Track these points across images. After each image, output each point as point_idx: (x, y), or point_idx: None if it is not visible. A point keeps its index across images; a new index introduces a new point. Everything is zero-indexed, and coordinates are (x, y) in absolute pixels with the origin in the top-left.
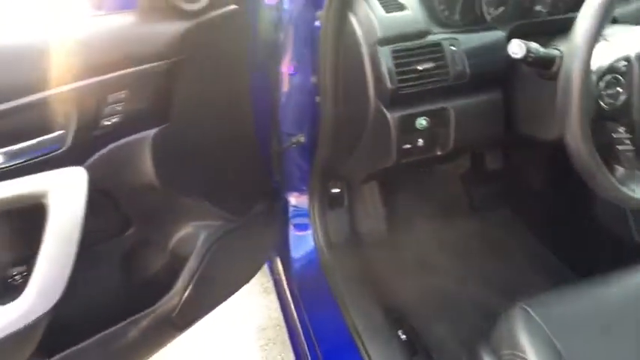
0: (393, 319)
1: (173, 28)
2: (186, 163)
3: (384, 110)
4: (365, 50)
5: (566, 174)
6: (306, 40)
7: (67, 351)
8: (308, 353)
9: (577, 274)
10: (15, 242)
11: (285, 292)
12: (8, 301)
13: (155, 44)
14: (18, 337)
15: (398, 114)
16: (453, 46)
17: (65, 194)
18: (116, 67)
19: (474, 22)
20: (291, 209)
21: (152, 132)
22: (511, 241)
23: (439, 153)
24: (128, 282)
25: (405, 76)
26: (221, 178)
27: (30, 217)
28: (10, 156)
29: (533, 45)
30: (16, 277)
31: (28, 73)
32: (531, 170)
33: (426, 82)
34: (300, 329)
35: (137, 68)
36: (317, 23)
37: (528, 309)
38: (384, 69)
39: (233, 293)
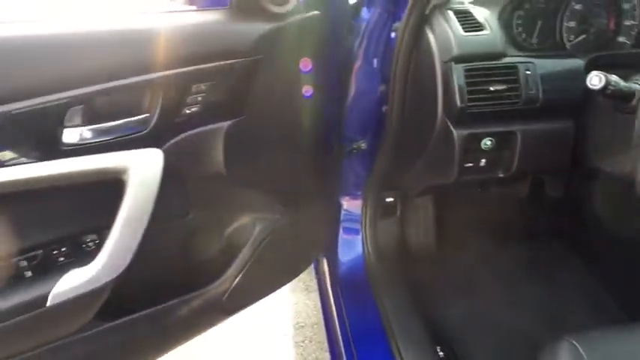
0: (433, 333)
1: (258, 28)
2: (254, 157)
3: (451, 127)
4: (438, 66)
5: (630, 211)
6: (378, 50)
7: (122, 319)
8: (344, 354)
9: (628, 315)
10: (91, 212)
11: (327, 293)
12: (80, 265)
13: (240, 42)
14: (84, 298)
15: (464, 132)
16: (529, 70)
17: (143, 173)
18: (202, 60)
19: (552, 47)
20: (342, 212)
21: (226, 124)
22: (564, 272)
23: (500, 175)
24: (184, 263)
25: (475, 96)
26: (283, 174)
27: (106, 191)
28: (98, 133)
29: (614, 78)
30: (89, 244)
31: (124, 57)
32: (593, 202)
33: (497, 103)
34: (338, 330)
35: (221, 63)
36: (392, 35)
37: (576, 345)
38: (456, 86)
39: (280, 286)
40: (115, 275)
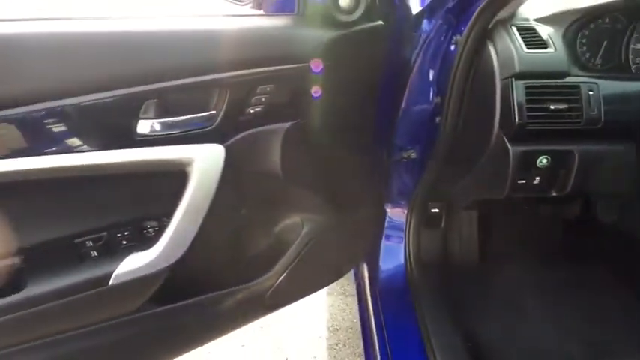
0: (470, 348)
1: (324, 34)
2: (308, 159)
3: (507, 143)
4: (498, 81)
5: None
6: (435, 62)
7: (173, 305)
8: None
9: None
10: (153, 200)
11: (366, 298)
12: (141, 249)
13: (305, 47)
14: (142, 281)
15: (520, 149)
16: (591, 90)
17: (205, 167)
18: (268, 62)
19: (617, 69)
20: (386, 220)
21: (285, 125)
22: (611, 300)
23: (553, 194)
24: (233, 256)
25: (534, 113)
26: (335, 177)
27: (169, 181)
28: (169, 126)
29: None
30: (149, 230)
31: (197, 57)
32: None
33: (556, 122)
34: (375, 336)
35: (286, 66)
36: (452, 48)
37: None
38: (515, 103)
39: (321, 287)
40: (171, 262)
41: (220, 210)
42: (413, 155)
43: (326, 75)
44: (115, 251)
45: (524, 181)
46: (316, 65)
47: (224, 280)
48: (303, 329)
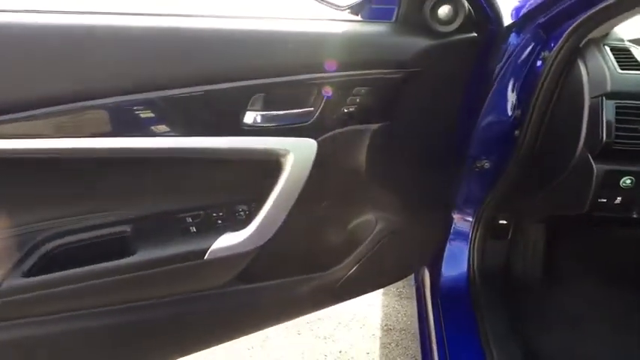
0: None
1: (420, 43)
2: (391, 160)
3: (591, 161)
4: (587, 99)
5: None
6: (520, 75)
7: (253, 285)
8: None
9: None
10: (246, 185)
11: (425, 302)
12: (232, 230)
13: (401, 54)
14: (232, 259)
15: (604, 167)
16: None
17: (299, 159)
18: (365, 66)
19: None
20: (452, 227)
21: (374, 126)
22: None
23: (634, 216)
24: (310, 245)
25: (623, 133)
26: (412, 180)
27: (263, 169)
28: (271, 118)
29: None
30: (240, 213)
31: (301, 57)
32: None
33: None
34: (434, 341)
35: (381, 70)
36: (539, 63)
37: None
38: (604, 122)
39: (386, 285)
40: (259, 244)
41: (306, 200)
42: (486, 165)
43: (418, 82)
44: (210, 229)
45: (605, 200)
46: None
47: (300, 266)
48: (357, 326)
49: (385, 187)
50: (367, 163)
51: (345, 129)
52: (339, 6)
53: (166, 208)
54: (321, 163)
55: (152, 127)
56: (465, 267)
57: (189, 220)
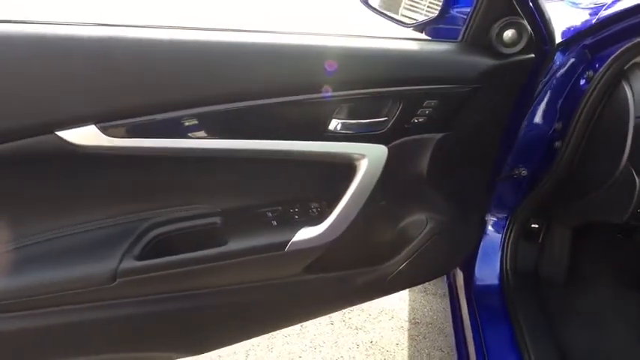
0: None
1: (486, 62)
2: (449, 165)
3: (634, 175)
4: (632, 119)
5: None
6: (562, 91)
7: (318, 275)
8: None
9: None
10: (320, 185)
11: (459, 300)
12: (308, 225)
13: (469, 71)
14: (308, 251)
15: None
16: None
17: (372, 163)
18: (437, 81)
19: None
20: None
21: (438, 135)
22: None
23: None
24: (367, 240)
25: None
26: (463, 184)
27: (338, 171)
28: (348, 126)
29: None
30: (313, 210)
31: (379, 71)
32: None
33: None
34: (471, 337)
35: (450, 86)
36: (582, 82)
37: None
38: None
39: (426, 281)
40: (332, 238)
41: (373, 200)
42: (524, 173)
43: (479, 96)
44: (289, 223)
45: None
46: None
47: (358, 260)
48: (386, 319)
49: (440, 190)
50: (428, 168)
51: (413, 137)
52: (405, 24)
53: (249, 203)
54: (389, 167)
55: (248, 131)
56: (497, 267)
57: (270, 214)
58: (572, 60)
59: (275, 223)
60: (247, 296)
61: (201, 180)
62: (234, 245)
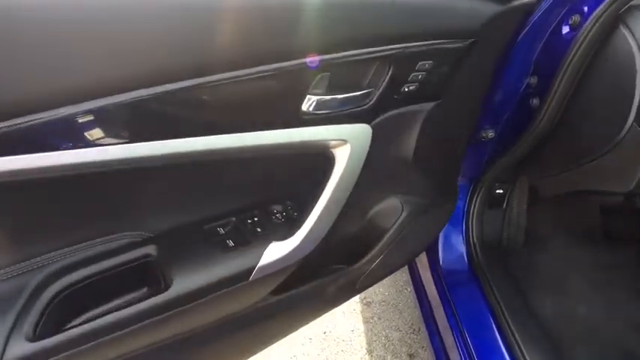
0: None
1: (486, 9)
2: (438, 139)
3: None
4: (638, 68)
5: None
6: (537, 39)
7: (287, 294)
8: (456, 344)
9: None
10: (283, 182)
11: (420, 275)
12: (275, 237)
13: (467, 21)
14: (277, 274)
15: None
16: None
17: (356, 149)
18: (432, 35)
19: None
20: None
21: (428, 106)
22: None
23: None
24: (342, 242)
25: None
26: (448, 159)
27: (309, 162)
28: (321, 105)
29: None
30: (277, 216)
31: (361, 28)
32: None
33: None
34: (442, 314)
35: (446, 41)
36: (566, 28)
37: None
38: None
39: (400, 268)
40: (308, 252)
41: (354, 195)
42: (490, 135)
43: (475, 53)
44: (249, 240)
45: None
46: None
47: (329, 267)
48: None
49: (420, 169)
50: (417, 146)
51: (400, 110)
52: None
53: (192, 219)
54: (371, 150)
55: (187, 125)
56: (463, 238)
57: (221, 230)
58: (552, 2)
59: (231, 242)
60: (201, 341)
61: (121, 198)
62: (179, 287)
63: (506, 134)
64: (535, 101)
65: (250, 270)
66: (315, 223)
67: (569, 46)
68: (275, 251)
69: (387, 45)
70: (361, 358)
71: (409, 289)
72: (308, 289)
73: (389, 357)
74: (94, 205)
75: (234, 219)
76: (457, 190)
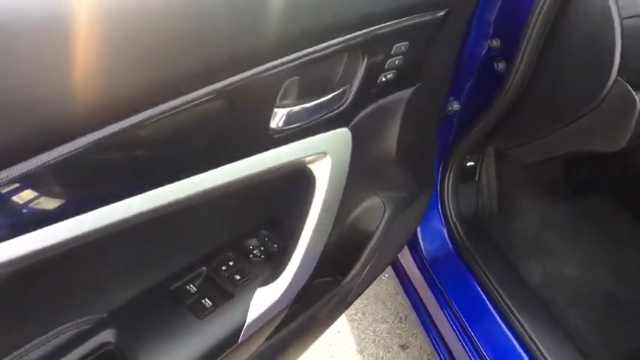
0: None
1: None
2: (417, 126)
3: (631, 90)
4: (617, 22)
5: None
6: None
7: (280, 334)
8: (455, 330)
9: None
10: (257, 214)
11: (405, 266)
12: (258, 283)
13: None
14: (271, 322)
15: None
16: None
17: (337, 160)
18: (406, 10)
19: None
20: None
21: (408, 92)
22: (619, 227)
23: None
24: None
25: None
26: (421, 143)
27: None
28: (292, 118)
29: None
30: (256, 254)
31: (336, 11)
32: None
33: None
34: (431, 298)
35: (420, 16)
36: None
37: None
38: None
39: (387, 267)
40: (300, 288)
41: (339, 209)
42: (456, 107)
43: (449, 26)
44: (229, 292)
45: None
46: None
47: (322, 290)
48: None
49: (406, 161)
50: (399, 137)
51: (378, 103)
52: None
53: (149, 283)
54: (353, 155)
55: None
56: (441, 218)
57: (192, 287)
58: None
59: (208, 302)
60: None
61: (57, 283)
62: None
63: (472, 105)
64: (501, 65)
65: (238, 331)
66: (305, 254)
67: (535, 1)
68: (263, 299)
69: (358, 30)
70: (353, 359)
71: (386, 277)
72: (300, 322)
73: (381, 353)
74: (21, 300)
75: (204, 269)
76: (434, 174)
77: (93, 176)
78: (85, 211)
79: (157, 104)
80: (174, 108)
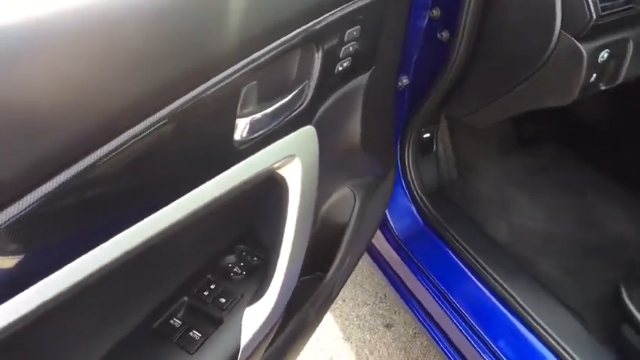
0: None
1: None
2: (377, 110)
3: (577, 43)
4: None
5: None
6: None
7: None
8: (441, 305)
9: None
10: (223, 227)
11: (377, 246)
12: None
13: None
14: (261, 345)
15: (590, 46)
16: None
17: (302, 163)
18: None
19: None
20: None
21: (365, 77)
22: (572, 175)
23: (602, 88)
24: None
25: (608, 3)
26: (379, 124)
27: (244, 197)
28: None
29: None
30: (235, 270)
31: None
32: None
33: (621, 11)
34: (409, 274)
35: None
36: None
37: None
38: None
39: (364, 253)
40: (287, 301)
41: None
42: (405, 82)
43: (395, 1)
44: (217, 318)
45: (591, 81)
46: None
47: (308, 293)
48: None
49: (370, 145)
50: (362, 124)
51: (337, 94)
52: None
53: (127, 328)
54: (320, 150)
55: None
56: (407, 195)
57: (176, 322)
58: None
59: (196, 334)
60: None
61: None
62: None
63: (421, 77)
64: (444, 34)
65: (234, 356)
66: (289, 262)
67: None
68: (254, 318)
69: (312, 20)
70: (342, 348)
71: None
72: (292, 329)
73: (368, 336)
74: None
75: (185, 298)
76: (394, 152)
77: (47, 233)
78: (49, 272)
79: (104, 143)
80: (124, 144)
